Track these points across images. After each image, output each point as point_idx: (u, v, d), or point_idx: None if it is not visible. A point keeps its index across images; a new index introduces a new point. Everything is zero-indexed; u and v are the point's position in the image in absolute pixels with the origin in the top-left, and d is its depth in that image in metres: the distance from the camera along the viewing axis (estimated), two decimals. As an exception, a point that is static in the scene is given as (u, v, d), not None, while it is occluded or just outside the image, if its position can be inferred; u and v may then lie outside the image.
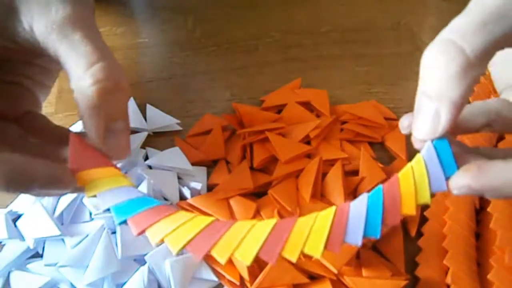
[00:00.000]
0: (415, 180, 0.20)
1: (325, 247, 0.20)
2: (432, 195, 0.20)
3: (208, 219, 0.22)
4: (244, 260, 0.20)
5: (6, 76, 0.25)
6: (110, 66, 0.21)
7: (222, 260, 0.20)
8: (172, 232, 0.21)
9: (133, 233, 0.21)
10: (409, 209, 0.20)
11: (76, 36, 0.21)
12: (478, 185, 0.19)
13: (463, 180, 0.20)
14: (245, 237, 0.21)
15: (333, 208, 0.21)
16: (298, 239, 0.20)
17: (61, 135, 0.25)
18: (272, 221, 0.21)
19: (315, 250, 0.20)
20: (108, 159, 0.23)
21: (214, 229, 0.21)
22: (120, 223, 0.21)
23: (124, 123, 0.23)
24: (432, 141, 0.20)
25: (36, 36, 0.22)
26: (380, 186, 0.21)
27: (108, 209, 0.22)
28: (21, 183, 0.20)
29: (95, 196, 0.22)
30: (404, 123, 0.22)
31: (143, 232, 0.21)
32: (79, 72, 0.21)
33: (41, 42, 0.22)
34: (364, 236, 0.20)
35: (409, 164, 0.21)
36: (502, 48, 0.18)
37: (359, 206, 0.21)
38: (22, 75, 0.26)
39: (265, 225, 0.21)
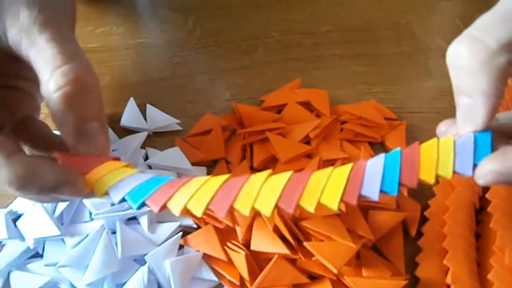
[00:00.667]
0: (439, 152, 0.21)
1: (342, 198, 0.20)
2: (454, 174, 0.21)
3: (223, 178, 0.22)
4: (264, 211, 0.20)
5: (4, 80, 0.25)
6: (76, 68, 0.21)
7: (246, 211, 0.20)
8: (191, 198, 0.21)
9: (154, 211, 0.21)
10: (428, 176, 0.20)
11: (41, 39, 0.21)
12: (502, 167, 0.19)
13: (488, 165, 0.20)
14: (263, 189, 0.21)
15: (350, 164, 0.21)
16: (315, 190, 0.20)
17: (61, 143, 0.25)
18: (288, 174, 0.21)
19: (332, 201, 0.20)
20: (104, 155, 0.23)
21: (231, 186, 0.21)
22: (139, 207, 0.21)
23: (98, 124, 0.22)
24: (474, 132, 0.21)
25: (9, 42, 0.21)
26: (399, 148, 0.21)
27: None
28: (34, 186, 0.20)
29: (106, 194, 0.22)
30: (441, 128, 0.23)
31: (164, 207, 0.21)
32: (45, 77, 0.21)
33: (15, 49, 0.21)
34: (381, 191, 0.20)
35: (435, 138, 0.21)
36: None
37: (376, 163, 0.21)
38: (20, 77, 0.26)
39: (281, 177, 0.21)
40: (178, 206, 0.21)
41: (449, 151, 0.21)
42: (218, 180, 0.22)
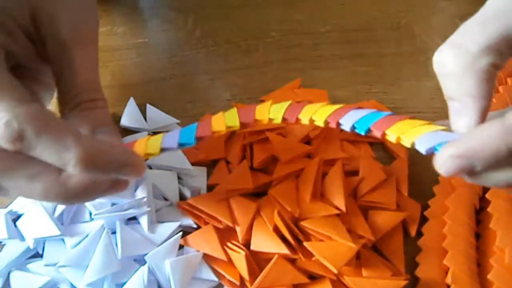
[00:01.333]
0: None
1: None
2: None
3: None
4: None
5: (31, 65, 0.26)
6: (93, 94, 0.23)
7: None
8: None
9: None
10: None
11: (78, 54, 0.23)
12: (460, 151, 0.19)
13: (447, 150, 0.19)
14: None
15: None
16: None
17: None
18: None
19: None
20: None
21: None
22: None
23: (109, 129, 0.23)
24: None
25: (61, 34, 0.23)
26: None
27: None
28: (100, 165, 0.20)
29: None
30: None
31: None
32: (68, 89, 0.23)
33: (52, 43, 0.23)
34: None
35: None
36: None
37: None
38: (29, 77, 0.26)
39: None
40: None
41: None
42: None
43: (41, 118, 0.19)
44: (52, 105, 0.37)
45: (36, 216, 0.28)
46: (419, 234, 0.30)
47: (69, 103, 0.23)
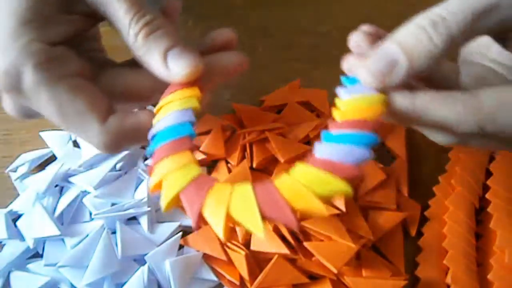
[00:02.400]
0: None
1: None
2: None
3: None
4: None
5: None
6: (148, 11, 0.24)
7: None
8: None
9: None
10: None
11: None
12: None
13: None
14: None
15: None
16: None
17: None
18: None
19: None
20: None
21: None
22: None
23: (178, 48, 0.23)
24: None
25: None
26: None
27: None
28: (137, 137, 0.23)
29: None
30: (345, 66, 0.23)
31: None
32: (125, 23, 0.24)
33: None
34: None
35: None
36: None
37: None
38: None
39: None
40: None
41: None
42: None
43: None
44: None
45: (36, 216, 0.28)
46: (419, 234, 0.30)
47: (131, 41, 0.24)
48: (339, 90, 0.21)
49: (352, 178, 0.18)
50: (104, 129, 0.23)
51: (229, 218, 0.18)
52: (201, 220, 0.18)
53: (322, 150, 0.19)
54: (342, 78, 0.21)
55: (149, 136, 0.21)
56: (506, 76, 0.24)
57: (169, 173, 0.19)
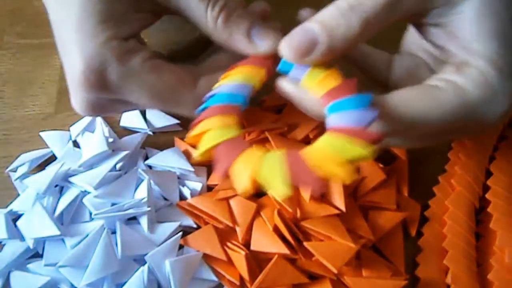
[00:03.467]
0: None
1: None
2: None
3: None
4: None
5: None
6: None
7: None
8: None
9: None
10: None
11: None
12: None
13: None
14: None
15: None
16: None
17: None
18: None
19: None
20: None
21: None
22: None
23: (258, 25, 0.26)
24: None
25: None
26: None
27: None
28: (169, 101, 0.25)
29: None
30: (303, 15, 0.26)
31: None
32: (201, 13, 0.25)
33: None
34: None
35: None
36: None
37: None
38: None
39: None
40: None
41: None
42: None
43: None
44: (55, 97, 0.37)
45: (36, 216, 0.28)
46: (419, 234, 0.30)
47: (211, 27, 0.25)
48: (293, 72, 0.23)
49: (371, 139, 0.19)
50: (197, 93, 0.25)
51: (254, 179, 0.19)
52: (226, 177, 0.19)
53: (334, 120, 0.20)
54: (281, 61, 0.23)
55: (207, 95, 0.23)
56: (432, 66, 0.25)
57: (212, 128, 0.21)
